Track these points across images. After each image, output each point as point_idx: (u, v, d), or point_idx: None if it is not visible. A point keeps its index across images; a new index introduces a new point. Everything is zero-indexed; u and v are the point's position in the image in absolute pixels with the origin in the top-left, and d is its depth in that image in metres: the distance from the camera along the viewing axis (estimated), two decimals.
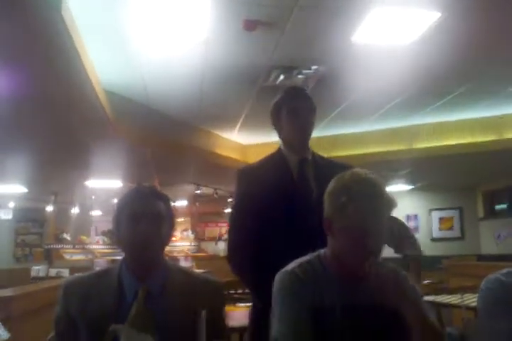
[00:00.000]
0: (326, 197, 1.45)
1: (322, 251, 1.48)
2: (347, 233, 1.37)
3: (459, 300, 4.12)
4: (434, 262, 8.88)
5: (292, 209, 1.85)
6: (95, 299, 1.50)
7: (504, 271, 1.67)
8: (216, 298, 1.60)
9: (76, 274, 1.71)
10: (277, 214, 1.85)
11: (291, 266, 1.45)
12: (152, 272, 1.54)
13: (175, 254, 10.85)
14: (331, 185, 1.45)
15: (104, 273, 1.59)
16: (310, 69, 4.58)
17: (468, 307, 3.91)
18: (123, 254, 1.59)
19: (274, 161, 2.04)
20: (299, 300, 1.37)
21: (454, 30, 3.80)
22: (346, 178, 1.44)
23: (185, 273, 1.65)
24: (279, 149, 2.07)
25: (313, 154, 2.08)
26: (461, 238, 10.33)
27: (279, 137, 2.08)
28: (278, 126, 2.06)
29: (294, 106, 2.00)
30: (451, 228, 10.40)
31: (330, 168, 1.98)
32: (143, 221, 1.50)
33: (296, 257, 1.53)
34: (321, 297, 1.38)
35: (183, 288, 1.55)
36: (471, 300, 3.93)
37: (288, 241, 1.82)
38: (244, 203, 1.96)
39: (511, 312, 1.56)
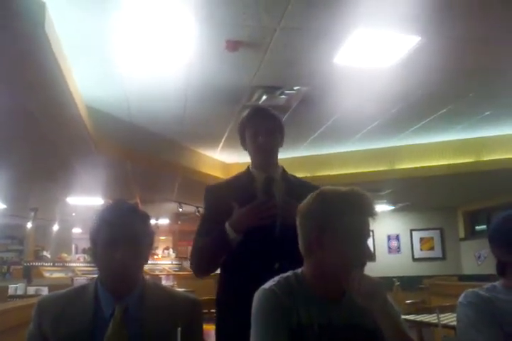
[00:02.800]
0: (308, 213, 1.44)
1: (299, 270, 1.48)
2: (341, 246, 1.37)
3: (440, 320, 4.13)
4: (415, 282, 8.92)
5: (254, 227, 1.84)
6: (70, 317, 1.47)
7: (483, 287, 1.70)
8: (193, 315, 1.58)
9: (43, 294, 1.68)
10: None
11: (269, 283, 1.44)
12: (129, 290, 1.52)
13: (156, 273, 10.75)
14: (315, 200, 1.44)
15: (80, 291, 1.56)
16: (293, 89, 4.63)
17: (446, 326, 3.93)
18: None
19: (241, 179, 2.06)
20: (277, 318, 1.36)
21: (433, 53, 3.88)
22: (335, 192, 1.44)
23: (163, 289, 1.64)
24: (248, 168, 2.09)
25: (284, 173, 2.09)
26: (443, 258, 10.40)
27: (249, 155, 2.11)
28: (244, 146, 2.09)
29: (255, 126, 2.02)
30: (432, 248, 10.46)
31: (299, 186, 2.02)
32: (121, 247, 1.46)
33: (260, 274, 1.53)
34: (299, 315, 1.38)
35: (161, 305, 1.53)
36: (451, 319, 3.95)
37: (250, 256, 1.83)
38: (209, 219, 1.98)
39: (490, 325, 1.57)
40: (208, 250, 1.91)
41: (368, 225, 1.42)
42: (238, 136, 2.10)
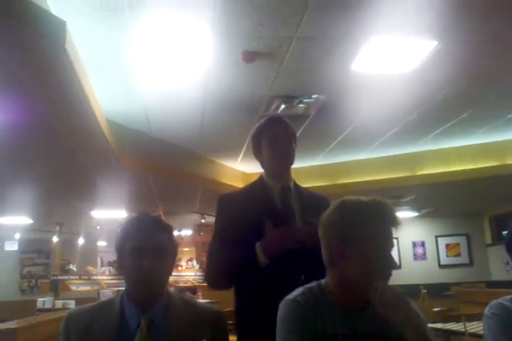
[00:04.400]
0: (330, 224, 1.44)
1: (322, 281, 1.48)
2: (364, 256, 1.36)
3: (468, 328, 4.05)
4: (442, 289, 8.78)
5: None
6: (97, 330, 1.49)
7: (508, 297, 1.67)
8: (218, 327, 1.59)
9: (77, 306, 1.70)
10: (257, 237, 1.83)
11: (293, 294, 1.44)
12: (155, 302, 1.54)
13: (181, 284, 10.77)
14: (336, 210, 1.44)
15: (107, 304, 1.58)
16: (310, 98, 4.64)
17: (474, 335, 3.85)
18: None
19: (256, 189, 2.04)
20: (302, 328, 1.36)
21: (451, 57, 3.86)
22: (356, 202, 1.43)
23: (187, 302, 1.65)
24: (261, 177, 2.07)
25: (295, 183, 2.08)
26: (470, 264, 10.22)
27: (261, 165, 2.09)
28: (259, 156, 2.07)
29: (273, 135, 2.01)
30: (458, 254, 10.30)
31: (311, 197, 2.01)
32: (146, 256, 1.48)
33: (285, 286, 1.53)
34: (323, 325, 1.37)
35: (186, 317, 1.54)
36: (479, 327, 3.87)
37: (275, 269, 1.81)
38: (225, 228, 1.94)
39: None
40: (233, 268, 1.86)
41: (391, 235, 1.41)
42: (252, 144, 2.10)
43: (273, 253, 1.80)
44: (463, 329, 4.05)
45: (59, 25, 2.58)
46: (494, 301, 1.67)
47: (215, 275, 1.96)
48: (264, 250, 1.81)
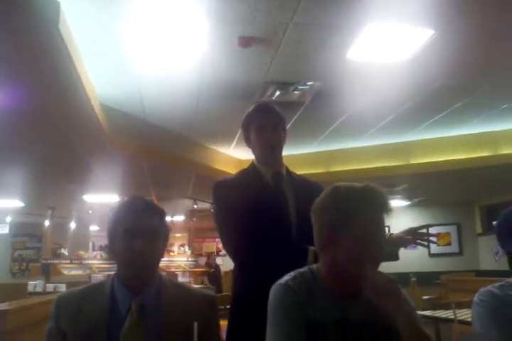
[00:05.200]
0: (322, 210, 1.44)
1: (315, 265, 1.48)
2: (355, 243, 1.36)
3: (456, 315, 4.11)
4: (432, 278, 8.87)
5: (271, 220, 1.85)
6: (87, 313, 1.49)
7: (497, 284, 1.68)
8: (209, 310, 1.60)
9: (62, 290, 1.70)
10: (258, 224, 1.83)
11: (285, 278, 1.44)
12: (146, 286, 1.54)
13: (172, 269, 10.80)
14: (329, 197, 1.44)
15: (97, 287, 1.58)
16: (306, 85, 4.62)
17: (463, 322, 3.90)
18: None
19: (250, 174, 2.05)
20: (293, 312, 1.37)
21: (448, 46, 3.85)
22: (349, 188, 1.43)
23: (178, 286, 1.65)
24: (253, 164, 2.08)
25: (287, 170, 2.09)
26: (460, 254, 10.32)
27: (252, 151, 2.10)
28: (249, 143, 2.08)
29: (260, 122, 2.01)
30: (449, 243, 10.38)
31: (304, 183, 2.03)
32: (138, 238, 1.48)
33: (278, 270, 1.53)
34: (314, 311, 1.38)
35: (177, 301, 1.55)
36: (468, 315, 3.92)
37: (268, 254, 1.82)
38: (227, 217, 1.94)
39: (504, 323, 1.57)
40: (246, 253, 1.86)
41: (382, 221, 1.41)
42: (242, 132, 2.10)
43: None
44: (452, 317, 4.10)
45: (52, 6, 2.56)
46: (483, 288, 1.68)
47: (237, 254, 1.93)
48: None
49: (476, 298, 1.67)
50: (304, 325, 1.36)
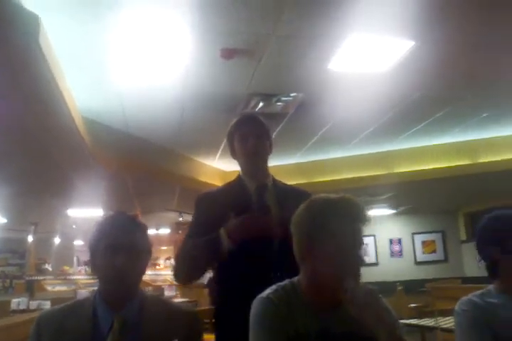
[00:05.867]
0: (299, 222, 1.44)
1: (296, 278, 1.48)
2: (331, 254, 1.36)
3: (441, 323, 4.14)
4: (418, 286, 8.89)
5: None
6: (69, 331, 1.47)
7: (477, 292, 1.70)
8: (191, 327, 1.58)
9: (50, 307, 1.68)
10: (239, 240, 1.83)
11: (266, 292, 1.44)
12: (128, 302, 1.52)
13: (159, 283, 10.71)
14: (306, 209, 1.45)
15: (79, 304, 1.56)
16: (289, 96, 4.65)
17: (446, 330, 3.93)
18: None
19: (233, 187, 2.04)
20: (275, 326, 1.36)
21: (428, 57, 3.90)
22: (324, 200, 1.44)
23: (161, 301, 1.64)
24: (239, 176, 2.08)
25: (274, 180, 2.08)
26: (445, 261, 10.38)
27: (239, 165, 2.09)
28: (234, 154, 2.08)
29: (244, 131, 2.01)
30: (434, 251, 10.44)
31: (291, 193, 2.01)
32: (119, 254, 1.47)
33: (254, 283, 1.53)
34: (296, 324, 1.38)
35: (159, 317, 1.53)
36: (452, 322, 3.95)
37: (247, 266, 1.81)
38: (200, 226, 1.94)
39: (485, 333, 1.57)
40: (196, 254, 1.86)
41: (359, 233, 1.40)
42: (227, 143, 2.10)
43: (236, 238, 1.80)
44: (433, 325, 4.14)
45: (32, 19, 2.54)
46: (464, 298, 1.69)
47: (181, 266, 1.96)
48: (230, 233, 1.80)
49: (457, 307, 1.68)
50: (285, 338, 1.35)
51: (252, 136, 2.00)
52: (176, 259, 2.02)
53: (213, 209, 1.94)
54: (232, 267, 1.85)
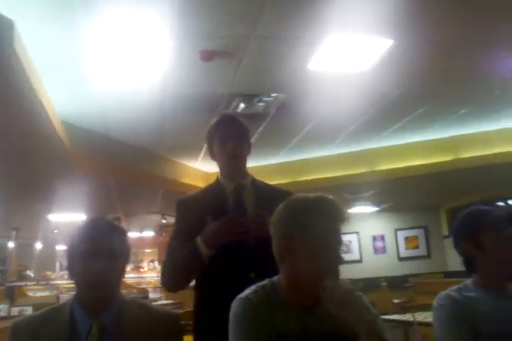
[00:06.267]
0: (278, 222, 1.44)
1: (275, 278, 1.48)
2: (310, 253, 1.37)
3: (422, 318, 4.20)
4: (402, 281, 8.99)
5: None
6: (46, 337, 1.45)
7: (455, 287, 1.72)
8: (171, 329, 1.58)
9: (25, 313, 1.66)
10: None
11: (245, 292, 1.44)
12: (106, 306, 1.51)
13: (143, 286, 10.64)
14: (284, 209, 1.45)
15: (56, 310, 1.54)
16: (270, 96, 4.65)
17: (424, 324, 4.00)
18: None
19: (212, 190, 2.04)
20: (255, 327, 1.36)
21: (407, 56, 3.94)
22: (302, 199, 1.44)
23: (140, 305, 1.62)
24: (217, 178, 2.08)
25: (253, 180, 2.07)
26: (428, 256, 10.49)
27: (217, 166, 2.09)
28: (213, 155, 2.07)
29: (222, 134, 2.00)
30: (417, 247, 10.55)
31: (270, 193, 2.00)
32: (97, 259, 1.46)
33: (233, 284, 1.54)
34: (276, 323, 1.38)
35: (138, 320, 1.52)
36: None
37: (225, 267, 1.82)
38: (182, 231, 1.94)
39: (463, 327, 1.60)
40: (179, 265, 1.87)
41: (337, 231, 1.41)
42: (206, 145, 2.09)
43: (213, 244, 1.80)
44: (419, 320, 4.20)
45: (6, 25, 2.51)
46: (442, 292, 1.72)
47: (167, 275, 1.96)
48: (204, 241, 1.80)
49: (435, 302, 1.70)
50: (265, 338, 1.36)
51: (231, 139, 1.99)
52: (162, 269, 2.02)
53: (192, 214, 1.93)
54: (211, 269, 1.85)
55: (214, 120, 2.08)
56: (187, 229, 1.91)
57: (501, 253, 1.66)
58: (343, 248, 1.44)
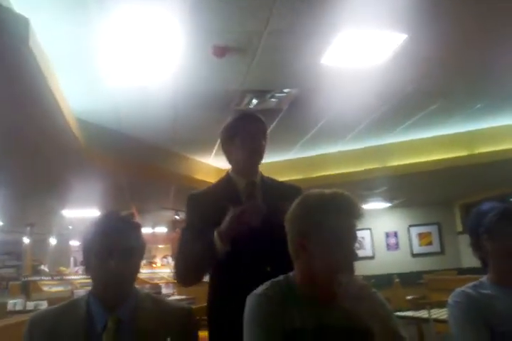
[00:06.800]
0: (293, 218, 1.44)
1: (290, 273, 1.48)
2: (325, 249, 1.37)
3: (437, 315, 4.17)
4: (415, 278, 8.93)
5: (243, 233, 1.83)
6: (63, 332, 1.46)
7: (471, 284, 1.70)
8: (187, 324, 1.58)
9: (41, 307, 1.67)
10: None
11: (261, 288, 1.44)
12: (122, 301, 1.52)
13: (156, 281, 10.71)
14: (299, 205, 1.45)
15: (72, 305, 1.55)
16: (282, 92, 4.64)
17: (440, 321, 3.97)
18: None
19: (223, 185, 2.04)
20: (270, 323, 1.36)
21: (420, 50, 3.90)
22: (317, 195, 1.44)
23: (155, 300, 1.62)
24: (227, 174, 2.07)
25: (262, 177, 2.08)
26: (441, 253, 10.42)
27: (229, 161, 2.08)
28: (229, 150, 2.06)
29: (247, 132, 1.99)
30: (430, 243, 10.48)
31: (279, 189, 2.02)
32: (113, 255, 1.46)
33: (249, 278, 1.54)
34: (292, 319, 1.38)
35: (153, 315, 1.53)
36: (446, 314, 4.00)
37: (239, 261, 1.81)
38: (193, 227, 1.93)
39: (479, 324, 1.58)
40: (194, 260, 1.87)
41: (352, 228, 1.41)
42: (223, 139, 2.07)
43: (230, 236, 1.78)
44: (434, 316, 4.17)
45: (22, 23, 2.52)
46: (457, 289, 1.70)
47: (181, 270, 1.96)
48: (221, 235, 1.78)
49: (450, 299, 1.69)
50: (280, 334, 1.35)
51: (254, 135, 1.99)
52: (176, 266, 2.01)
53: (203, 208, 1.93)
54: (226, 264, 1.84)
55: (234, 116, 2.08)
56: (199, 223, 1.91)
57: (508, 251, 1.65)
58: (357, 244, 1.44)
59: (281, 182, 2.14)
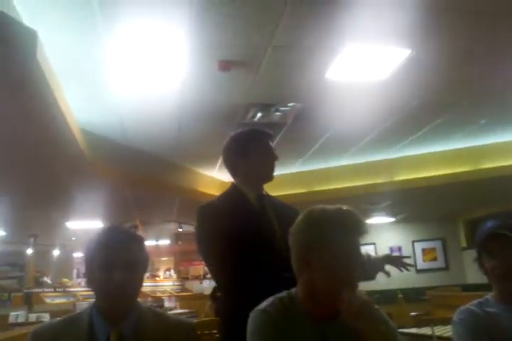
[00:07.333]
0: (297, 233, 1.44)
1: (293, 289, 1.48)
2: (328, 265, 1.37)
3: (441, 332, 4.13)
4: (419, 294, 8.85)
5: (262, 242, 1.86)
6: None
7: (475, 301, 1.69)
8: (188, 339, 1.58)
9: (48, 320, 1.67)
10: (251, 247, 1.83)
11: (263, 304, 1.44)
12: (125, 315, 1.51)
13: (158, 294, 10.65)
14: (303, 220, 1.45)
15: (75, 318, 1.55)
16: (287, 106, 4.66)
17: (443, 338, 3.92)
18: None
19: (235, 197, 2.05)
20: (272, 339, 1.36)
21: (425, 65, 3.91)
22: (321, 211, 1.44)
23: (157, 314, 1.62)
24: (235, 186, 2.09)
25: (266, 192, 2.13)
26: (446, 268, 10.33)
27: (237, 173, 2.10)
28: (240, 164, 2.08)
29: (267, 150, 2.10)
30: (434, 259, 10.40)
31: (283, 205, 2.11)
32: (116, 269, 1.46)
33: (269, 286, 1.54)
34: (294, 336, 1.37)
35: (155, 330, 1.52)
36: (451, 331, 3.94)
37: (258, 270, 1.82)
38: (228, 238, 1.87)
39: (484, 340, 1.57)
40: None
41: (356, 244, 1.41)
42: (236, 153, 2.10)
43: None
44: (438, 333, 4.12)
45: (30, 36, 2.55)
46: (462, 307, 1.69)
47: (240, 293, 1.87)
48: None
49: (455, 317, 1.68)
50: None
51: (273, 153, 2.11)
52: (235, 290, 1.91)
53: (221, 222, 1.92)
54: (244, 274, 1.83)
55: (255, 131, 2.17)
56: (220, 238, 1.87)
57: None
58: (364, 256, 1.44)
59: (280, 200, 2.21)
